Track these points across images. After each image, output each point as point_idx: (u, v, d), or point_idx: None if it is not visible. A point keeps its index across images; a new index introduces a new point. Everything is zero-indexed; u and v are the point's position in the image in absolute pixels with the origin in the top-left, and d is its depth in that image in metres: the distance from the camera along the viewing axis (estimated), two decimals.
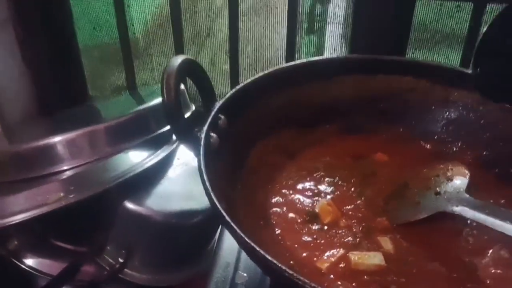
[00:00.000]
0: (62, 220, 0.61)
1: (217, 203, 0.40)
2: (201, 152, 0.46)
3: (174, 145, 0.70)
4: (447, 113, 0.59)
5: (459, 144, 0.58)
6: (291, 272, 0.34)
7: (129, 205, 0.62)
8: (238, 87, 0.55)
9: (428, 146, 0.58)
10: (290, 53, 0.82)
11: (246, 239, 0.37)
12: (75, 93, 0.90)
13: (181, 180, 0.67)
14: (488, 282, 0.43)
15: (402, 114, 0.60)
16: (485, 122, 0.57)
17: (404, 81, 0.60)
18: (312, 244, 0.48)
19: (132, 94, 0.91)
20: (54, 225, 0.63)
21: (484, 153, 0.55)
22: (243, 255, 0.57)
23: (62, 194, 0.58)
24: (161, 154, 0.68)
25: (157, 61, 0.93)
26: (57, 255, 0.65)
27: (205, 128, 0.49)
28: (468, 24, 0.70)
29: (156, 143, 0.69)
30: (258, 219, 0.51)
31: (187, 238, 0.66)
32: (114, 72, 0.94)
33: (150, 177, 0.66)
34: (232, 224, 0.38)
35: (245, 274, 0.55)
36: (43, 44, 0.84)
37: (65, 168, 0.64)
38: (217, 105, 0.52)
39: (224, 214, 0.39)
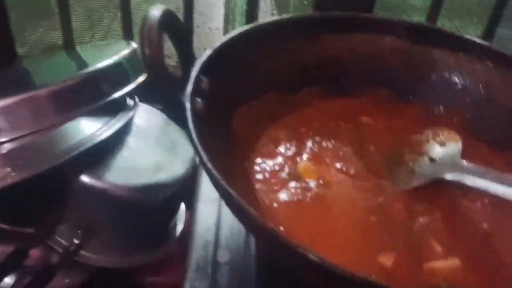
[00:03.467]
0: (6, 200, 0.52)
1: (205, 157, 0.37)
2: (190, 119, 0.41)
3: (132, 112, 0.63)
4: (431, 74, 0.57)
5: (445, 107, 0.57)
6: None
7: (86, 179, 0.55)
8: (216, 45, 0.49)
9: (414, 109, 0.57)
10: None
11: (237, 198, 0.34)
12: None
13: (145, 151, 0.60)
14: None
15: (387, 76, 0.58)
16: (471, 83, 0.56)
17: (385, 41, 0.58)
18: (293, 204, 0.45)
19: (70, 54, 0.80)
20: None
21: (470, 117, 0.55)
22: (223, 232, 0.53)
23: (8, 170, 0.50)
24: (118, 122, 0.60)
25: (97, 16, 0.83)
26: (1, 239, 0.56)
27: (189, 92, 0.43)
28: None
29: (110, 111, 0.61)
30: (241, 181, 0.47)
31: (152, 215, 0.60)
32: (46, 28, 0.82)
33: (108, 148, 0.58)
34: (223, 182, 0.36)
35: (227, 252, 0.51)
36: None
37: (3, 139, 0.55)
38: (198, 66, 0.46)
39: (209, 165, 0.37)
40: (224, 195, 0.37)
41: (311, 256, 0.31)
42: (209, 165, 0.37)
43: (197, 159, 0.64)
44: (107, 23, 0.88)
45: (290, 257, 0.33)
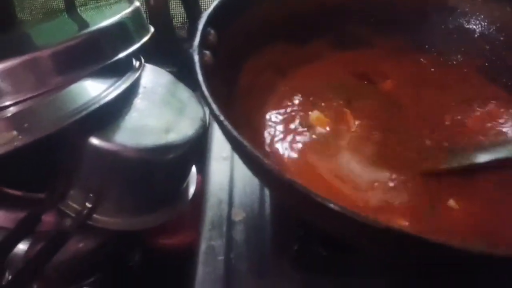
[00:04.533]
0: (15, 164, 0.51)
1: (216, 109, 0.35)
2: (199, 72, 0.39)
3: (138, 73, 0.61)
4: (447, 22, 0.55)
5: (462, 56, 0.54)
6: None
7: (95, 141, 0.54)
8: None
9: (431, 58, 0.54)
10: None
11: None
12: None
13: (153, 112, 0.59)
14: None
15: (399, 24, 0.56)
16: (489, 30, 0.53)
17: None
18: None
19: (71, 16, 0.78)
20: (5, 170, 0.54)
21: (488, 64, 0.52)
22: (236, 191, 0.52)
23: (15, 133, 0.48)
24: (124, 83, 0.58)
25: None
26: (12, 205, 0.56)
27: (196, 44, 0.41)
28: None
29: (116, 72, 0.59)
30: (252, 134, 0.46)
31: (163, 176, 0.59)
32: None
33: (116, 110, 0.57)
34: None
35: (241, 211, 0.50)
36: None
37: (7, 103, 0.53)
38: (205, 17, 0.44)
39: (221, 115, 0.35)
40: (238, 147, 0.35)
41: (332, 206, 0.30)
42: (222, 117, 0.35)
43: (206, 119, 0.63)
44: None
45: (310, 208, 0.32)
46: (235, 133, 0.34)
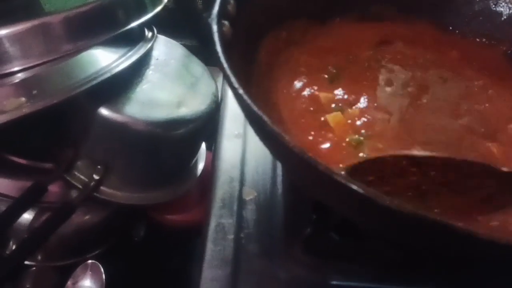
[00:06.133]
0: (23, 132, 0.50)
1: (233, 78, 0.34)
2: (217, 42, 0.37)
3: (150, 44, 0.59)
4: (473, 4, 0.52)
5: (487, 39, 0.52)
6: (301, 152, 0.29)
7: (105, 112, 0.52)
8: None
9: (454, 40, 0.52)
10: None
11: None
12: None
13: (165, 85, 0.57)
14: None
15: (425, 5, 0.53)
16: None
17: None
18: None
19: None
20: (13, 137, 0.52)
21: None
22: (248, 169, 0.50)
23: (23, 99, 0.47)
24: (136, 53, 0.56)
25: None
26: (18, 174, 0.55)
27: (215, 12, 0.39)
28: None
29: (128, 41, 0.57)
30: (270, 112, 0.44)
31: (173, 151, 0.57)
32: None
33: (127, 81, 0.55)
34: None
35: (253, 190, 0.48)
36: None
37: (16, 69, 0.52)
38: None
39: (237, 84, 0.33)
40: (256, 122, 0.34)
41: (355, 188, 0.28)
42: (241, 90, 0.34)
43: (219, 95, 0.61)
44: None
45: (329, 189, 0.31)
46: (254, 107, 0.32)
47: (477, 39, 0.53)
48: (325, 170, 0.29)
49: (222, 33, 0.39)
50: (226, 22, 0.40)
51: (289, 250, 0.44)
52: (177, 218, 0.66)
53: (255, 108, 0.32)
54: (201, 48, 0.65)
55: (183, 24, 0.62)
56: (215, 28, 0.38)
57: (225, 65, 0.35)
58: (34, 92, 0.48)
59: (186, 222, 0.66)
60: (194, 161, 0.65)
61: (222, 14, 0.40)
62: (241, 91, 0.34)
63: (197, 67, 0.63)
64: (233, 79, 0.34)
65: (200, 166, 0.66)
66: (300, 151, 0.30)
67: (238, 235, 0.44)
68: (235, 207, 0.47)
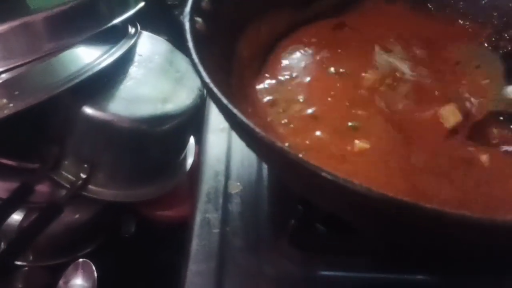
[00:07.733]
0: (6, 132, 0.50)
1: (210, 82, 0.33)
2: (189, 39, 0.37)
3: (134, 40, 0.59)
4: None
5: (470, 21, 0.52)
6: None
7: (89, 111, 0.52)
8: None
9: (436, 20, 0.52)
10: None
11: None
12: None
13: (150, 81, 0.57)
14: None
15: None
16: None
17: None
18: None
19: None
20: None
21: (495, 30, 0.50)
22: (233, 163, 0.50)
23: (4, 101, 0.47)
24: (119, 50, 0.56)
25: None
26: (5, 175, 0.54)
27: (187, 9, 0.39)
28: None
29: (111, 38, 0.57)
30: (248, 106, 0.44)
31: (159, 147, 0.57)
32: None
33: (110, 78, 0.55)
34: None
35: (238, 183, 0.48)
36: None
37: None
38: None
39: (215, 89, 0.33)
40: (230, 118, 0.33)
41: (324, 174, 0.28)
42: (211, 85, 0.33)
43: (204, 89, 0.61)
44: None
45: (302, 178, 0.30)
46: (225, 101, 0.32)
47: (461, 20, 0.53)
48: (295, 158, 0.29)
49: (194, 30, 0.38)
50: (199, 19, 0.40)
51: (275, 243, 0.44)
52: (168, 213, 0.66)
53: (225, 101, 0.32)
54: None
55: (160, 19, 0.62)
56: (187, 25, 0.38)
57: (196, 60, 0.35)
58: (16, 93, 0.48)
59: (176, 218, 0.66)
60: (182, 156, 0.65)
61: (195, 11, 0.40)
62: (211, 85, 0.33)
63: (182, 62, 0.63)
64: (203, 74, 0.34)
65: (189, 161, 0.66)
66: (269, 140, 0.29)
67: (223, 229, 0.44)
68: (220, 201, 0.46)
